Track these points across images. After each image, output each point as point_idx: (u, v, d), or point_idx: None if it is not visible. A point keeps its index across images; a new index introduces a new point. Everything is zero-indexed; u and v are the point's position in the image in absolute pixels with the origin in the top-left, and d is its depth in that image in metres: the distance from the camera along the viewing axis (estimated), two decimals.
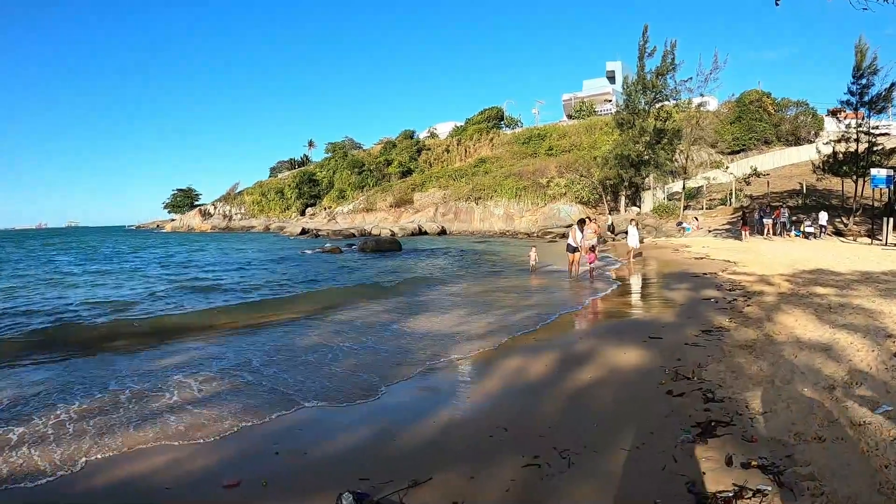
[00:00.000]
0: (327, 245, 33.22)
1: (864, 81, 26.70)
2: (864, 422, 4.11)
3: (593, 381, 5.99)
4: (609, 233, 32.77)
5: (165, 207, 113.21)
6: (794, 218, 27.61)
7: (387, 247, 30.37)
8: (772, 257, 17.58)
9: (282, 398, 5.78)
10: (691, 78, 34.34)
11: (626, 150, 36.31)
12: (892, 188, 23.92)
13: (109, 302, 12.41)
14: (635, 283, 14.46)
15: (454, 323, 9.76)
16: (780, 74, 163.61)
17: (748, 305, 9.53)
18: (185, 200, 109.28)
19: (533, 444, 4.37)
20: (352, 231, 51.35)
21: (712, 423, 4.42)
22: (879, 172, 23.66)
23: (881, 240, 22.05)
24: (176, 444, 4.71)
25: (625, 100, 38.01)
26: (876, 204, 25.70)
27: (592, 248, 15.84)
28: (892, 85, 25.95)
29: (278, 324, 10.05)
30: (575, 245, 14.88)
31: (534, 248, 18.16)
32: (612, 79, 71.65)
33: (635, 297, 12.00)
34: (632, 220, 21.03)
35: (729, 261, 17.35)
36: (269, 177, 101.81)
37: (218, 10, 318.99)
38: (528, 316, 10.11)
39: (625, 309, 10.61)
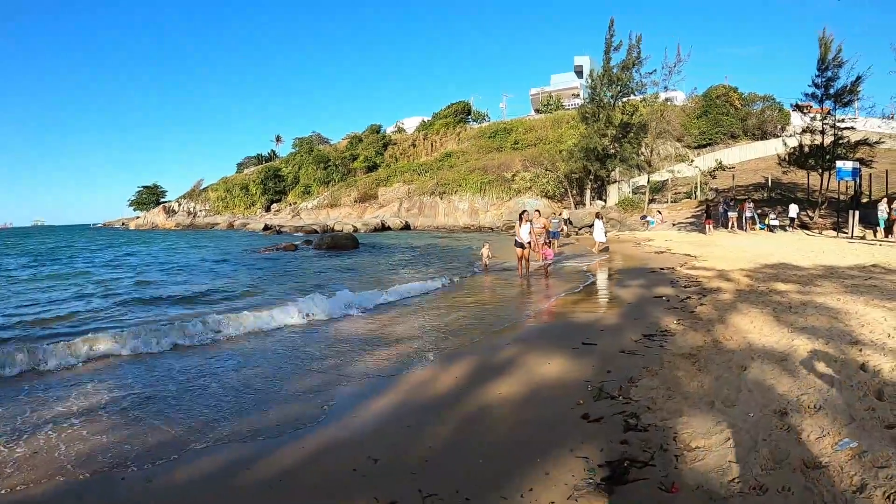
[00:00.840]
0: (282, 243, 31.77)
1: (829, 74, 26.41)
2: (821, 462, 3.12)
3: (501, 399, 4.94)
4: (566, 226, 31.98)
5: (131, 205, 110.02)
6: (759, 211, 27.08)
7: (343, 243, 28.96)
8: (734, 251, 16.84)
9: (149, 428, 4.68)
10: (655, 70, 33.86)
11: (591, 143, 35.74)
12: (857, 181, 23.55)
13: (32, 318, 10.41)
14: (589, 279, 13.42)
15: (377, 327, 8.67)
16: (748, 71, 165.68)
17: (701, 304, 8.60)
18: (150, 198, 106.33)
19: (399, 482, 3.45)
20: (314, 227, 49.87)
21: (626, 463, 3.39)
22: (845, 165, 23.25)
23: (847, 233, 21.60)
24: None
25: (589, 93, 37.40)
26: (841, 197, 25.38)
27: (549, 243, 14.85)
28: (858, 78, 25.62)
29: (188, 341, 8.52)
30: (521, 241, 13.76)
31: (486, 245, 17.08)
32: (580, 73, 70.93)
33: (582, 295, 10.89)
34: (597, 213, 20.12)
35: (689, 255, 16.57)
36: (237, 172, 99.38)
37: (188, 3, 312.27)
38: (461, 317, 9.10)
39: (568, 308, 9.55)
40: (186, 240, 44.26)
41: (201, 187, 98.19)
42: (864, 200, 24.94)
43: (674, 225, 29.68)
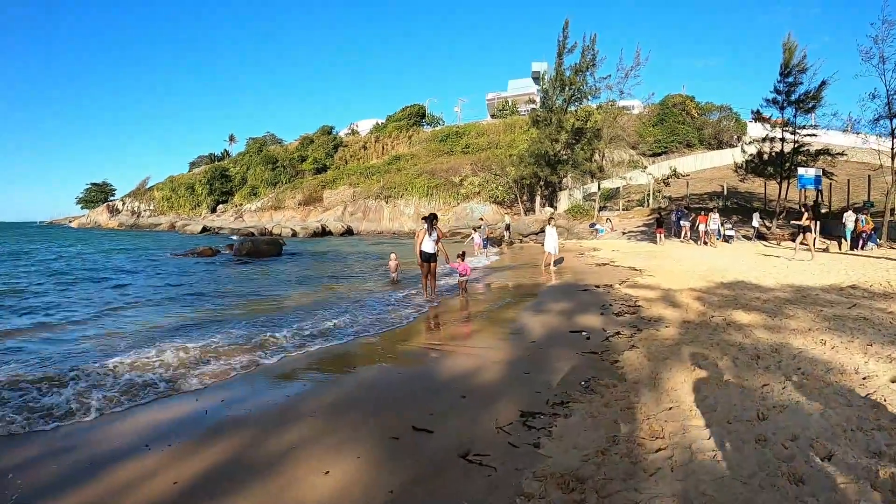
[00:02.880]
0: (200, 247, 28.42)
1: (791, 80, 24.59)
2: None
3: None
4: (506, 232, 29.73)
5: (78, 203, 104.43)
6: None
7: (265, 249, 25.85)
8: (684, 264, 14.51)
9: None
10: (610, 75, 31.85)
11: (542, 147, 33.67)
12: (819, 190, 21.72)
13: None
14: (504, 300, 10.67)
15: (163, 375, 5.76)
16: (705, 81, 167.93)
17: (632, 347, 6.01)
18: (98, 195, 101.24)
19: None
20: (252, 230, 46.47)
21: None
22: (807, 172, 21.47)
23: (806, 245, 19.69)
24: None
25: (541, 97, 35.33)
26: (801, 207, 23.59)
27: (461, 255, 12.15)
28: (823, 83, 23.79)
29: None
30: (427, 252, 10.84)
31: (394, 255, 14.39)
32: (537, 79, 68.80)
33: (480, 325, 8.07)
34: (549, 218, 17.47)
35: (635, 268, 14.18)
36: (188, 171, 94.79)
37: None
38: (288, 361, 6.23)
39: (444, 347, 6.72)
40: (115, 241, 40.30)
41: (147, 186, 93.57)
42: (824, 211, 23.22)
43: (624, 233, 27.55)
